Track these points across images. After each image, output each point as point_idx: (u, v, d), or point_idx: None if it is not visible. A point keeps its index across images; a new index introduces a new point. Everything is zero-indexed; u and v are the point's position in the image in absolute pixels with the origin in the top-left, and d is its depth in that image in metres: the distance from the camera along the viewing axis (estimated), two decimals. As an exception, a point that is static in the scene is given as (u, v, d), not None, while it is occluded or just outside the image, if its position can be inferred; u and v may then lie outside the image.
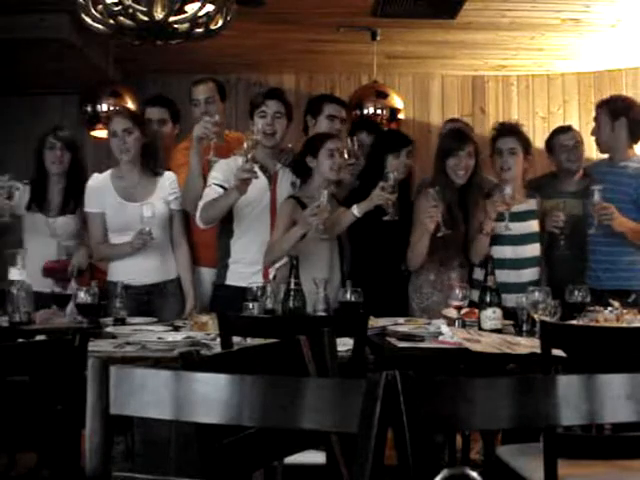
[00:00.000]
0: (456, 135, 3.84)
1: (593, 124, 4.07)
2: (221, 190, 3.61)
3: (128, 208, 3.70)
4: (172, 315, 3.62)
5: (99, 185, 3.81)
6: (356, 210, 3.46)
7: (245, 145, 3.45)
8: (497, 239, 3.63)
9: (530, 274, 3.68)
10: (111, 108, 5.18)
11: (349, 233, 3.71)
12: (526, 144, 3.75)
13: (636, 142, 3.96)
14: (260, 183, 3.63)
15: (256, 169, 3.49)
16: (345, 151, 3.67)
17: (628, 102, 4.01)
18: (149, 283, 3.76)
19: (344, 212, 3.54)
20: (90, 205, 3.79)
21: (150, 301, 3.76)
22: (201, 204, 3.63)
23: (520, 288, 3.30)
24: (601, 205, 3.58)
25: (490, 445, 2.83)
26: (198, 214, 3.63)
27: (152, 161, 3.87)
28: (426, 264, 3.67)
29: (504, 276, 3.45)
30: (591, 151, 4.48)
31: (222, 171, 3.65)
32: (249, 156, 3.43)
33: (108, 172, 3.87)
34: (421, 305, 3.67)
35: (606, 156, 4.07)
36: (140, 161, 3.81)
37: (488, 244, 3.59)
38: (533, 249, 3.73)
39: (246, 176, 3.40)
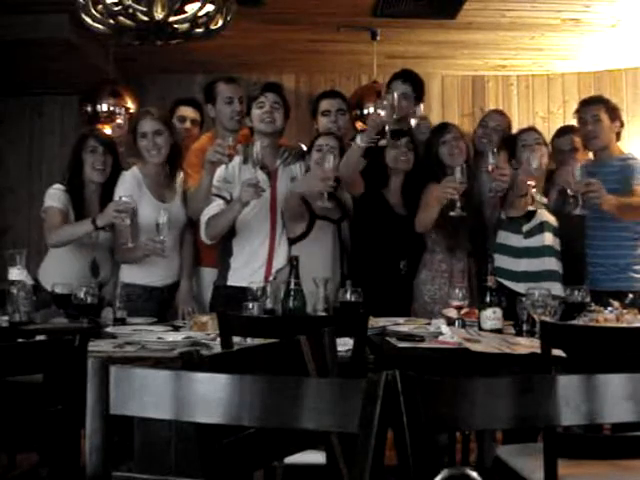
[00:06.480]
0: (439, 126, 3.98)
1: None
2: (221, 201, 3.61)
3: (161, 208, 3.57)
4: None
5: (132, 185, 3.66)
6: (359, 139, 3.43)
7: (252, 157, 3.41)
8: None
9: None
10: (111, 108, 5.20)
11: (350, 232, 3.75)
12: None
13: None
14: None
15: (259, 177, 3.48)
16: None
17: (617, 107, 4.04)
18: (170, 282, 3.78)
19: (349, 146, 3.51)
20: None
21: (170, 300, 3.78)
22: (205, 219, 3.61)
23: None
24: (587, 181, 3.40)
25: (487, 447, 2.83)
26: (203, 231, 3.62)
27: (177, 161, 3.80)
28: (437, 254, 3.73)
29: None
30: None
31: (222, 178, 3.64)
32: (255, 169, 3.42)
33: (135, 171, 3.75)
34: (434, 297, 3.68)
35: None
36: (166, 162, 3.76)
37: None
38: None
39: (251, 191, 3.36)
